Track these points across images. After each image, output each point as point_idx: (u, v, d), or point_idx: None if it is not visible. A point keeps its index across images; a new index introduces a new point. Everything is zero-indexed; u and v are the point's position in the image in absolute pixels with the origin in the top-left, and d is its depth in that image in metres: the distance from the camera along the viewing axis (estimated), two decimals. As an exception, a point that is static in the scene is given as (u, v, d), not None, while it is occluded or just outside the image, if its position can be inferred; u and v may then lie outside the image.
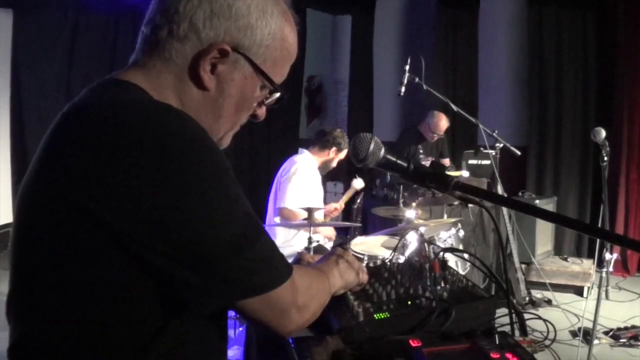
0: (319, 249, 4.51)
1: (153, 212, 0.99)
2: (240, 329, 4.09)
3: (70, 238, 1.03)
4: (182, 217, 1.01)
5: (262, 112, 1.35)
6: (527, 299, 5.91)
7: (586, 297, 6.19)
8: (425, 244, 2.20)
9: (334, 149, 4.98)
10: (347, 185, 9.25)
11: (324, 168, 5.04)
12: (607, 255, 4.45)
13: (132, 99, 1.12)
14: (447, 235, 4.74)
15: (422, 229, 4.10)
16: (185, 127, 1.06)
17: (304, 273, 1.32)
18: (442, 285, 1.72)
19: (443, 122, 6.86)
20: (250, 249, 1.09)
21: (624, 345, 4.88)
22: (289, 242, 4.75)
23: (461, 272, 2.37)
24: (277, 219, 4.78)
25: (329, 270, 1.52)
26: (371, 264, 1.97)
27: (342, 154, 5.00)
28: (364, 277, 1.67)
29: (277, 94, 1.33)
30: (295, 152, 5.08)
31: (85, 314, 1.05)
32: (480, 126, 5.29)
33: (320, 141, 5.01)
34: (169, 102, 1.18)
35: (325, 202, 5.36)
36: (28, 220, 1.10)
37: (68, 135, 1.07)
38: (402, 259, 3.43)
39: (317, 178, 4.99)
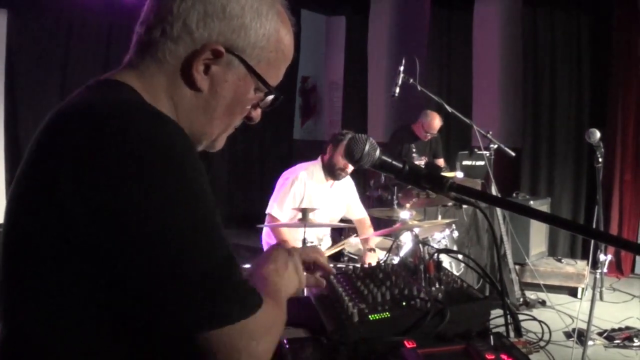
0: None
1: (125, 223, 0.98)
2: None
3: (52, 240, 1.02)
4: (153, 237, 0.99)
5: (257, 114, 1.34)
6: (521, 300, 5.92)
7: (580, 298, 6.20)
8: (420, 245, 2.20)
9: (330, 145, 4.70)
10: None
11: (329, 171, 4.70)
12: (601, 257, 4.46)
13: (120, 101, 1.10)
14: (442, 236, 4.75)
15: (416, 230, 4.11)
16: (170, 139, 1.03)
17: (269, 308, 1.18)
18: (437, 286, 1.72)
19: (436, 121, 6.87)
20: (219, 278, 1.04)
21: (618, 346, 4.89)
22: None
23: (455, 273, 2.37)
24: (266, 232, 4.75)
25: (280, 279, 1.37)
26: (365, 265, 1.97)
27: (341, 148, 4.56)
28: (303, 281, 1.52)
29: (272, 96, 1.31)
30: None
31: (68, 314, 1.05)
32: (475, 127, 5.29)
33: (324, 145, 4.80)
34: (161, 104, 1.18)
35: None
36: (15, 221, 1.09)
37: (55, 138, 1.07)
38: (396, 260, 3.43)
39: (323, 192, 4.76)
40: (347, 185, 4.95)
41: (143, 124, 1.03)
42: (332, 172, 4.69)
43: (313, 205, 4.58)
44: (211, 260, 1.03)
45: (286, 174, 4.74)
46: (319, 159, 4.80)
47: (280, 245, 1.59)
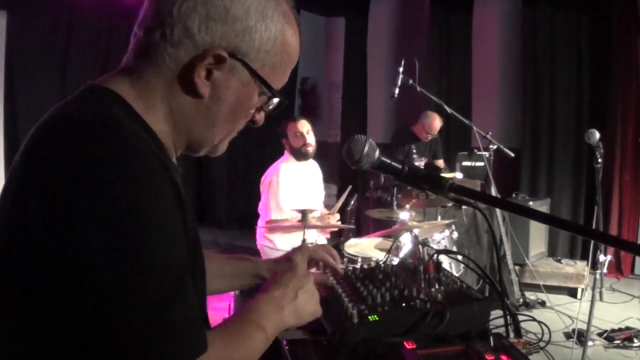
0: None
1: (57, 251, 0.95)
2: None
3: (13, 257, 1.00)
4: (90, 267, 0.94)
5: (260, 117, 1.30)
6: (521, 300, 5.92)
7: (580, 299, 6.20)
8: (419, 246, 2.20)
9: (283, 140, 4.88)
10: (342, 187, 9.28)
11: (298, 154, 4.83)
12: (601, 257, 4.45)
13: (92, 121, 1.03)
14: (441, 237, 4.74)
15: (415, 231, 4.11)
16: (124, 166, 0.98)
17: (226, 341, 1.14)
18: (437, 287, 1.72)
19: (437, 122, 6.89)
20: (162, 316, 0.97)
21: (617, 346, 4.89)
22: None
23: (455, 274, 2.37)
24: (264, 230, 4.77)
25: (279, 310, 1.31)
26: (365, 266, 1.97)
27: (293, 128, 4.80)
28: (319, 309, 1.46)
29: (276, 100, 1.27)
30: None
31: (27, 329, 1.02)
32: (474, 128, 5.29)
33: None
34: (155, 110, 1.16)
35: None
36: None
37: (30, 152, 1.05)
38: (396, 261, 3.42)
39: (305, 174, 4.90)
40: (316, 168, 5.12)
41: (97, 153, 0.98)
42: (300, 153, 4.82)
43: (304, 188, 4.76)
44: (142, 299, 0.95)
45: (267, 177, 4.83)
46: (285, 153, 4.93)
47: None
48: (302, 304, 1.36)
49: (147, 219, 0.98)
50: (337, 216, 4.87)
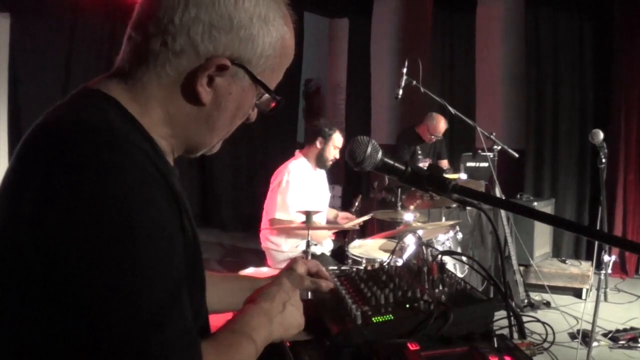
0: (319, 256, 4.52)
1: (64, 262, 0.93)
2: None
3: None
4: (81, 280, 0.93)
5: (254, 114, 1.30)
6: (526, 301, 5.90)
7: (585, 299, 6.18)
8: (423, 247, 2.20)
9: (319, 139, 4.78)
10: (344, 188, 9.28)
11: (321, 162, 4.85)
12: (606, 257, 4.45)
13: (87, 129, 1.03)
14: (445, 238, 4.74)
15: (420, 232, 4.11)
16: (118, 175, 0.97)
17: (219, 354, 1.14)
18: (441, 288, 1.72)
19: (442, 124, 6.88)
20: (156, 329, 0.96)
21: (622, 347, 4.87)
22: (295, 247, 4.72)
23: (459, 275, 2.36)
24: (267, 232, 4.76)
25: (268, 322, 1.31)
26: (369, 267, 1.97)
27: (336, 141, 4.80)
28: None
29: (267, 96, 1.26)
30: (293, 154, 4.98)
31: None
32: (478, 129, 5.28)
33: (307, 137, 4.94)
34: (152, 114, 1.14)
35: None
36: None
37: (21, 159, 1.05)
38: (400, 262, 3.42)
39: (315, 179, 4.90)
40: (323, 174, 5.13)
41: (90, 161, 0.97)
42: (324, 163, 4.87)
43: (312, 191, 4.77)
44: (135, 312, 0.94)
45: (277, 177, 4.80)
46: (299, 153, 4.93)
47: (287, 275, 1.57)
48: (289, 316, 1.36)
49: (141, 230, 0.96)
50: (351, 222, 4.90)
